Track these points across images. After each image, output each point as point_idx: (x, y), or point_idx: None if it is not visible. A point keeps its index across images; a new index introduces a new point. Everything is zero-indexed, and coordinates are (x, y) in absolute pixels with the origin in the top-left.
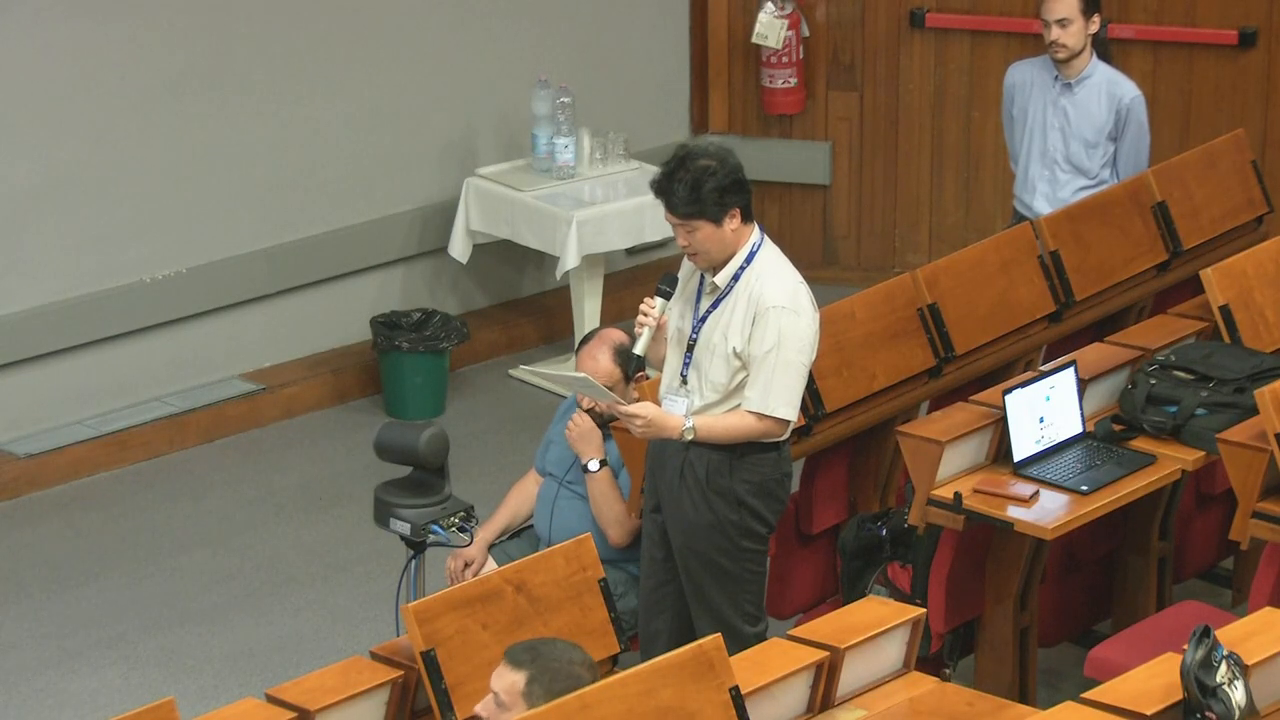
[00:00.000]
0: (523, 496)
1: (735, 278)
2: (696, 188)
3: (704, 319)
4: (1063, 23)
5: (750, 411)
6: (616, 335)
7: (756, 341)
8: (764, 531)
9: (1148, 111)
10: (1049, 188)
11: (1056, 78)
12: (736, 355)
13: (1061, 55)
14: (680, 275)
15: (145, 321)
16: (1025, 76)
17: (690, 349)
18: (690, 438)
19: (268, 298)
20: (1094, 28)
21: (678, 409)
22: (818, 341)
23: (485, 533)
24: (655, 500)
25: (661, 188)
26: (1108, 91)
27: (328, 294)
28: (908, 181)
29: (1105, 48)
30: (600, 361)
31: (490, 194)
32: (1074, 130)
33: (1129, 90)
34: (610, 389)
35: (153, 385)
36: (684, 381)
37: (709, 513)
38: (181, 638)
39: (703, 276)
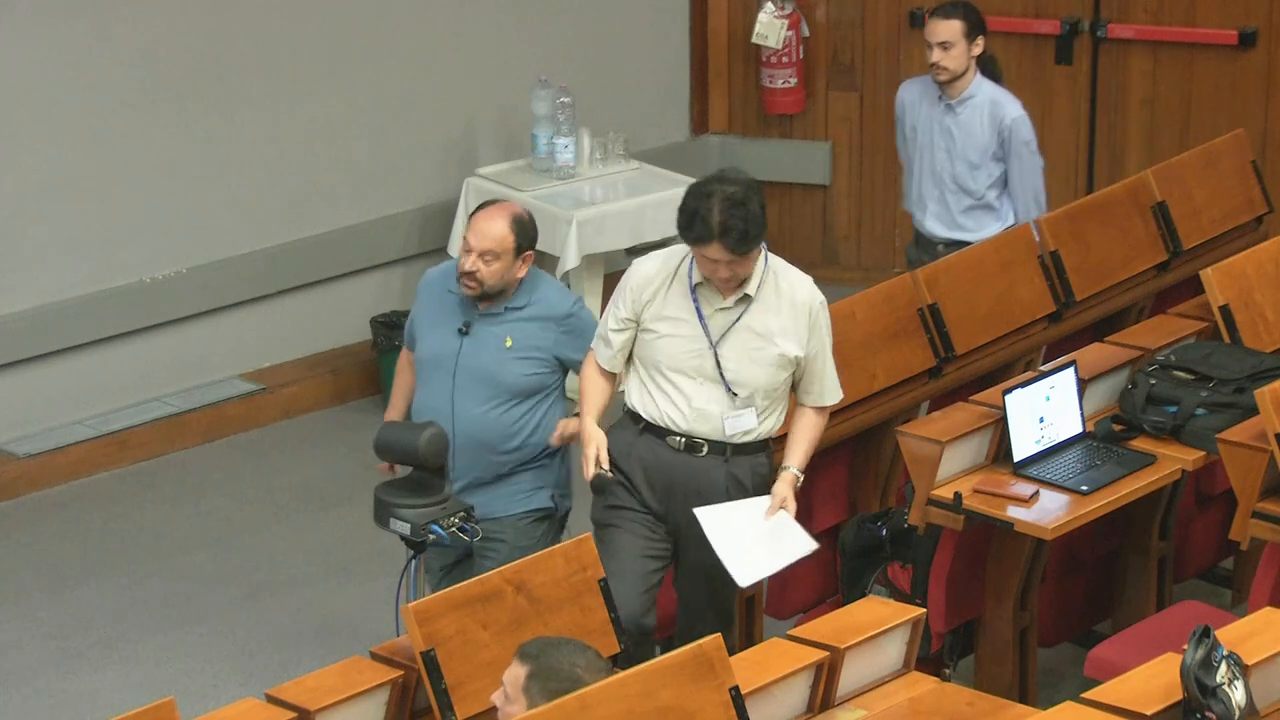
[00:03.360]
0: (410, 373)
1: (761, 283)
2: (754, 221)
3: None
4: (945, 45)
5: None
6: (514, 204)
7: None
8: None
9: (1033, 130)
10: (939, 207)
11: (940, 97)
12: (790, 360)
13: (943, 77)
14: (636, 301)
15: (145, 321)
16: (914, 94)
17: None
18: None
19: (268, 298)
20: (978, 50)
21: (746, 421)
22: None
23: (394, 415)
24: (665, 517)
25: (726, 228)
26: (990, 112)
27: (328, 294)
28: None
29: (994, 66)
30: (496, 223)
31: (490, 194)
32: (958, 151)
33: (1011, 111)
34: (500, 255)
35: (153, 385)
36: (734, 395)
37: None
38: (181, 638)
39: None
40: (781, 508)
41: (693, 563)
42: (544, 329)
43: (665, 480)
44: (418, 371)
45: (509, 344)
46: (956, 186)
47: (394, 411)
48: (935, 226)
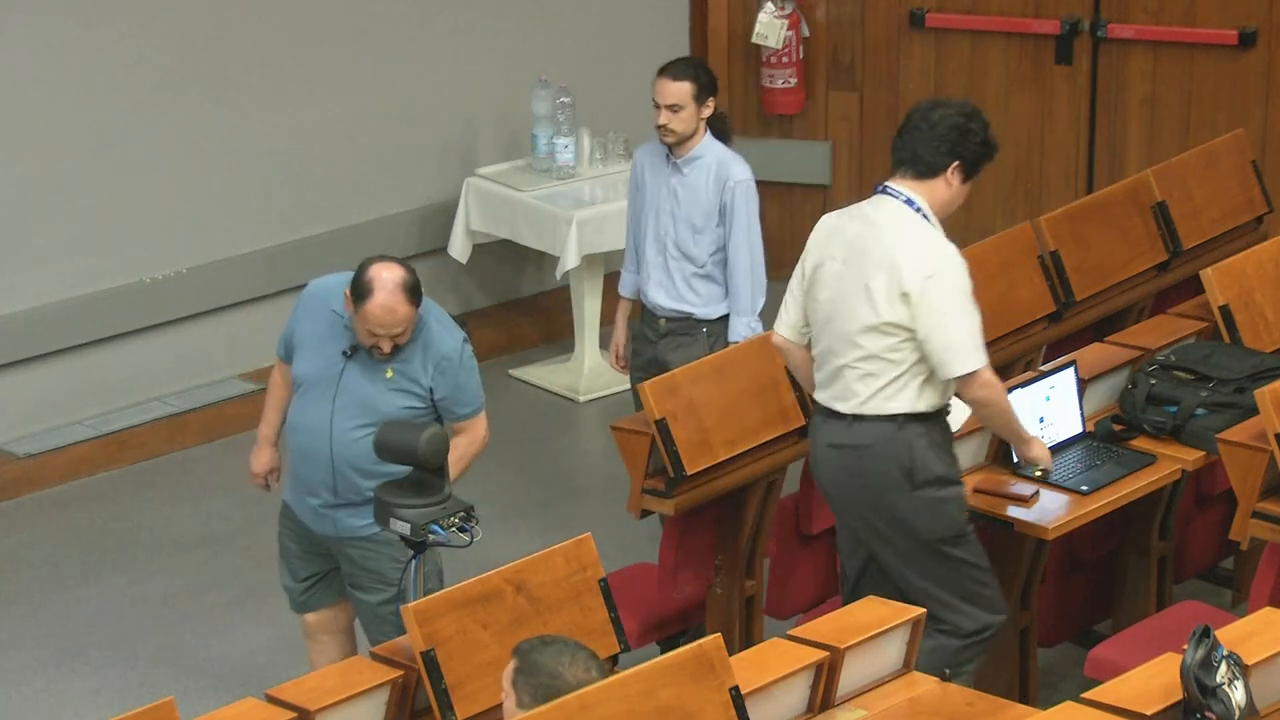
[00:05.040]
0: (285, 388)
1: None
2: None
3: None
4: (673, 108)
5: None
6: (399, 272)
7: None
8: None
9: (757, 200)
10: (664, 275)
11: (668, 157)
12: None
13: (669, 140)
14: None
15: (145, 321)
16: (645, 156)
17: None
18: None
19: (268, 298)
20: (708, 111)
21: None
22: None
23: (268, 430)
24: None
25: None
26: (716, 173)
27: None
28: None
29: (725, 126)
30: (402, 306)
31: (490, 194)
32: (682, 213)
33: (737, 173)
34: (408, 329)
35: (153, 385)
36: None
37: None
38: (181, 638)
39: None
40: None
41: None
42: (423, 365)
43: None
44: (296, 387)
45: (390, 375)
46: (679, 252)
47: (268, 427)
48: (659, 296)
